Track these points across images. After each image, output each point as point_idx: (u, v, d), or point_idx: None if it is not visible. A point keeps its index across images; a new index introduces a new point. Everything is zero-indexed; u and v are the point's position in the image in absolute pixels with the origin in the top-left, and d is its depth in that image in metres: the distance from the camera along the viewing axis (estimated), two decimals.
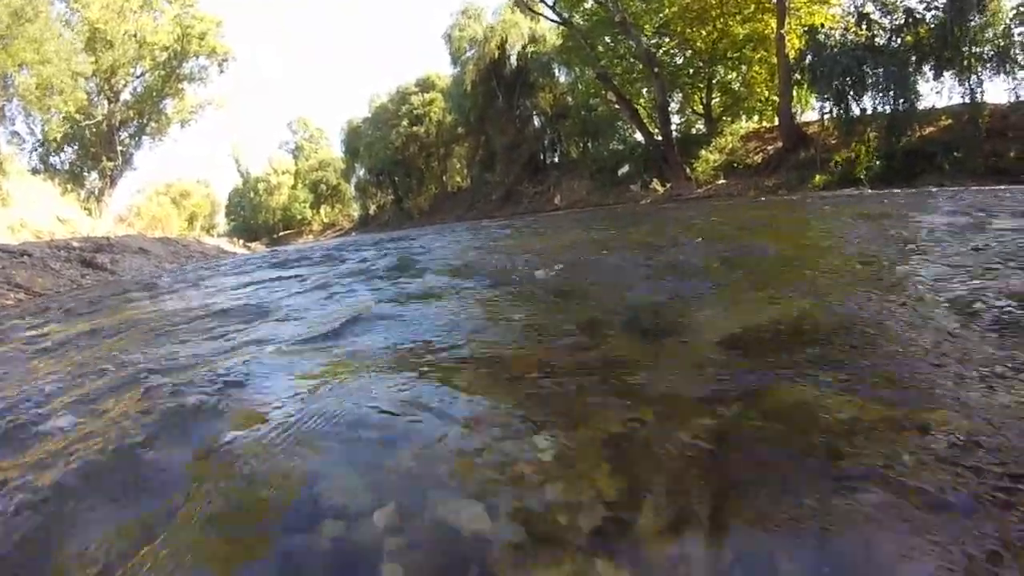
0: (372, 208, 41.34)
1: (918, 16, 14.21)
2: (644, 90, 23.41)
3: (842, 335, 1.74)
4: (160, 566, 0.95)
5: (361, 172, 41.44)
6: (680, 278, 3.11)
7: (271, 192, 48.94)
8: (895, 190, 10.76)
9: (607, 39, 22.86)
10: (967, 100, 13.59)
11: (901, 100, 14.05)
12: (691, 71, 22.98)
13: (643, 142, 22.24)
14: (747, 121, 22.64)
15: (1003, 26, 13.13)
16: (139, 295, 5.48)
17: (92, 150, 24.86)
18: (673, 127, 21.90)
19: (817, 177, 14.40)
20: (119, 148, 25.24)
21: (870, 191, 11.53)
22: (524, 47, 28.75)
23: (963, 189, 9.44)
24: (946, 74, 13.90)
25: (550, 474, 1.10)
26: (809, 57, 15.76)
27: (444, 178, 37.26)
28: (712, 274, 3.17)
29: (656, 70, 20.48)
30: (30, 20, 16.12)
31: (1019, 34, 13.04)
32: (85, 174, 25.39)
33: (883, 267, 2.84)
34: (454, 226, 15.92)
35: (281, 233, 45.71)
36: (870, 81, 14.59)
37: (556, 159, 29.60)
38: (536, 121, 30.30)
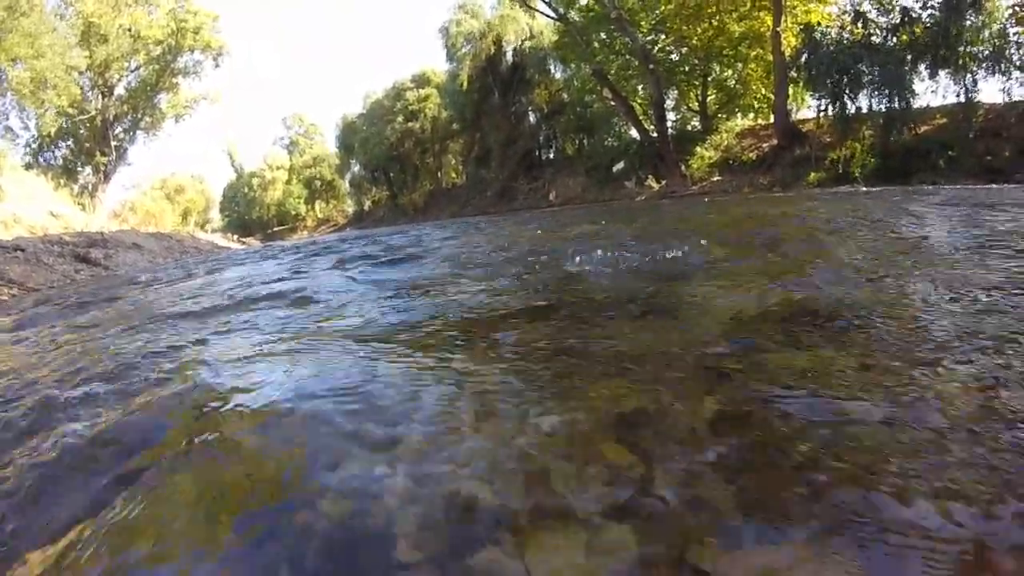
0: (367, 204, 41.28)
1: (914, 15, 14.29)
2: (640, 87, 23.42)
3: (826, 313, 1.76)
4: (162, 536, 0.97)
5: (356, 168, 41.38)
6: (675, 264, 3.13)
7: (265, 188, 48.68)
8: (889, 187, 10.83)
9: (603, 35, 22.87)
10: (962, 99, 13.68)
11: (897, 98, 14.12)
12: (687, 68, 22.99)
13: (638, 139, 22.30)
14: (742, 118, 22.67)
15: (998, 25, 13.21)
16: (133, 289, 5.47)
17: (86, 145, 24.70)
18: (668, 124, 21.97)
19: (812, 174, 14.47)
20: (113, 143, 25.09)
21: (864, 188, 11.58)
22: (521, 43, 28.72)
23: (957, 187, 9.51)
24: (941, 73, 13.99)
25: (557, 445, 1.11)
26: (805, 55, 15.82)
27: (439, 174, 37.21)
28: (706, 262, 3.19)
29: (652, 67, 20.51)
30: (25, 14, 16.01)
31: (1014, 34, 13.13)
32: (79, 169, 25.25)
33: (875, 259, 2.86)
34: (447, 222, 15.91)
35: (275, 229, 45.50)
36: (866, 79, 14.67)
37: (551, 156, 29.64)
38: (532, 117, 30.32)
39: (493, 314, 2.33)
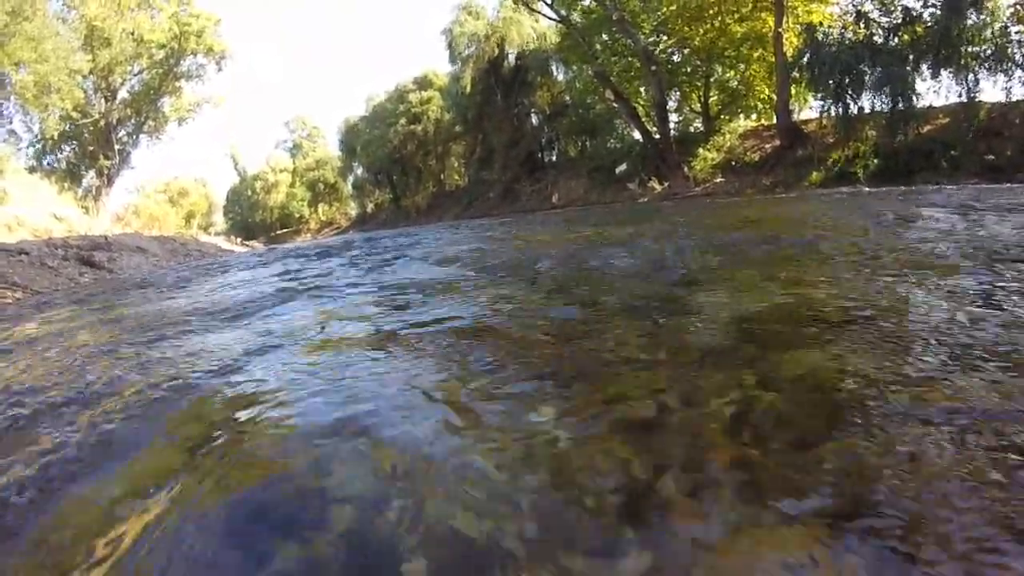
0: (370, 206, 41.32)
1: (916, 15, 14.27)
2: (642, 88, 23.38)
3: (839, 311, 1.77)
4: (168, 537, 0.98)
5: (359, 170, 41.44)
6: (681, 265, 3.15)
7: (268, 190, 48.77)
8: (892, 187, 10.82)
9: (605, 37, 22.87)
10: (964, 99, 13.65)
11: (899, 98, 14.10)
12: (689, 69, 22.97)
13: (641, 140, 22.25)
14: (745, 119, 22.62)
15: (1000, 24, 13.19)
16: (140, 293, 5.49)
17: (89, 148, 24.80)
18: (671, 125, 21.94)
19: (814, 175, 14.44)
20: (116, 146, 25.18)
21: (867, 189, 11.57)
22: (523, 45, 28.73)
23: (959, 186, 9.50)
24: (944, 73, 13.95)
25: (572, 442, 1.12)
26: (807, 55, 15.79)
27: (442, 176, 37.23)
28: (710, 263, 3.21)
29: (654, 68, 20.50)
30: (28, 18, 16.08)
31: (1016, 33, 13.11)
32: (82, 172, 25.33)
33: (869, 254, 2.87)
34: (454, 224, 15.94)
35: (279, 231, 45.57)
36: (868, 79, 14.64)
37: (554, 157, 29.60)
38: (534, 119, 30.29)
39: (517, 320, 2.34)
